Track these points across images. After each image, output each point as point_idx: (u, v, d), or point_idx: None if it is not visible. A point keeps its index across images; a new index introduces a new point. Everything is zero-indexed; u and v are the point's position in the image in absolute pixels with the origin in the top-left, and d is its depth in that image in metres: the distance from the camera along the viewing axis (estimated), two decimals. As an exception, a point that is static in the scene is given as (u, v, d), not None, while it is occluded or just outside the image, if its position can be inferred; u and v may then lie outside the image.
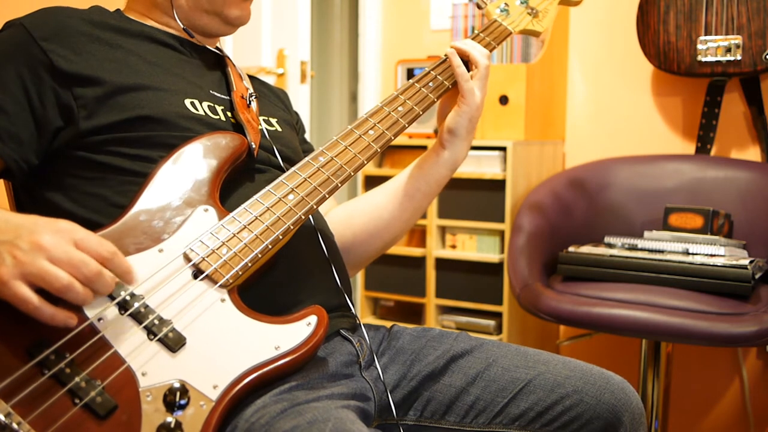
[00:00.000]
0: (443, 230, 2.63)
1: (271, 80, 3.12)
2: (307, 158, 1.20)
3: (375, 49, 3.18)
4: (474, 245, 2.56)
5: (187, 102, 1.22)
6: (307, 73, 3.13)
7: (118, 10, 1.34)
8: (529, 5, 1.54)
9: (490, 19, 1.49)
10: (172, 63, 1.27)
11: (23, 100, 1.13)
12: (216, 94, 1.29)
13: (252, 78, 1.45)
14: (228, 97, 1.30)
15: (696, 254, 2.06)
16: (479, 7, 1.53)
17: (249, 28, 3.09)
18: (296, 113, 1.54)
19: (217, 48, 1.38)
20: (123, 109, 1.15)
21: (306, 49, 3.12)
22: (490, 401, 1.23)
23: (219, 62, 1.37)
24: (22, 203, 1.23)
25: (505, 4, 1.51)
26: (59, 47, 1.15)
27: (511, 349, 1.29)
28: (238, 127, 1.26)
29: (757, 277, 1.96)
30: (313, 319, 1.06)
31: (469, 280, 2.55)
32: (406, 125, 1.29)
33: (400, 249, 2.67)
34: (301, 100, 3.14)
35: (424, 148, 2.58)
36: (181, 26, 1.32)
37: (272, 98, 1.47)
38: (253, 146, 1.23)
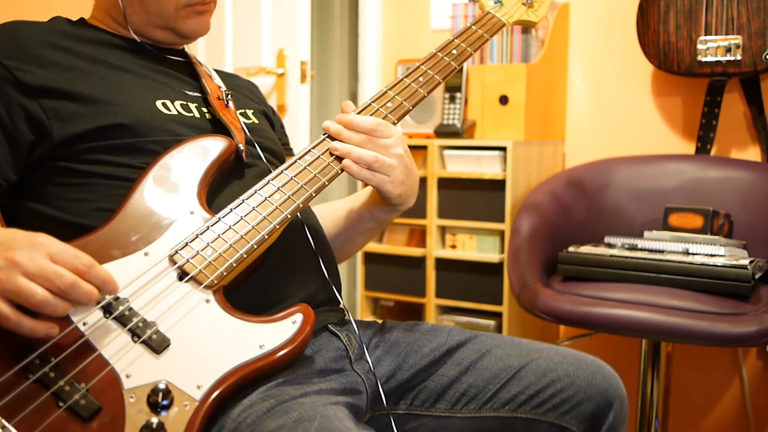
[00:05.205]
0: (443, 230, 2.62)
1: (271, 80, 3.13)
2: (294, 157, 1.19)
3: (375, 49, 3.18)
4: (474, 245, 2.55)
5: (159, 103, 1.22)
6: (307, 73, 3.13)
7: (81, 19, 1.34)
8: None
9: (484, 11, 1.47)
10: (138, 66, 1.27)
11: None
12: (187, 92, 1.29)
13: (219, 72, 1.44)
14: (200, 94, 1.30)
15: (696, 254, 2.05)
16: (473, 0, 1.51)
17: (249, 28, 3.13)
18: (270, 107, 1.53)
19: (181, 51, 1.37)
20: (95, 117, 1.16)
21: (306, 49, 3.12)
22: (481, 388, 1.23)
23: (185, 63, 1.36)
24: (7, 216, 1.23)
25: None
26: (22, 63, 1.16)
27: (505, 340, 1.29)
28: (215, 123, 1.26)
29: (757, 277, 1.96)
30: (298, 317, 1.06)
31: (469, 280, 2.55)
32: (396, 121, 1.27)
33: (400, 249, 2.67)
34: (301, 100, 3.14)
35: (424, 148, 2.57)
36: (137, 39, 1.31)
37: (243, 90, 1.47)
38: (241, 148, 1.23)
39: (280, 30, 3.10)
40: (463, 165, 2.53)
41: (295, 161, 1.18)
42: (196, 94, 1.30)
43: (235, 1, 3.20)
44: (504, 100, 2.55)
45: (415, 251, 2.64)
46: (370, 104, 1.27)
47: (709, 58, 2.31)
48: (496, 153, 2.46)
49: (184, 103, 1.26)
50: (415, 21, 3.10)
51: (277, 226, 1.11)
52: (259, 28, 3.12)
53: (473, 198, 2.52)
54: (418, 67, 1.33)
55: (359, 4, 3.23)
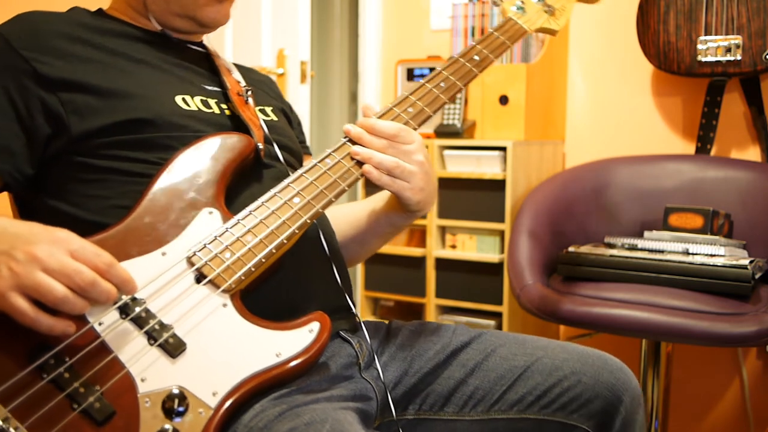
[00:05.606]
0: (443, 230, 2.62)
1: (271, 80, 3.12)
2: (314, 160, 1.17)
3: (375, 49, 3.18)
4: (474, 245, 2.55)
5: (179, 98, 1.21)
6: (307, 73, 3.13)
7: (99, 9, 1.32)
8: (546, 3, 1.49)
9: (506, 17, 1.45)
10: (158, 60, 1.25)
11: (10, 112, 1.12)
12: (207, 87, 1.27)
13: (237, 66, 1.42)
14: (220, 89, 1.29)
15: (696, 254, 2.06)
16: (495, 4, 1.49)
17: (249, 28, 3.12)
18: (287, 103, 1.51)
19: (200, 43, 1.36)
20: (114, 111, 1.14)
21: (306, 49, 3.12)
22: (488, 390, 1.22)
23: (205, 56, 1.35)
24: (24, 211, 1.22)
25: (521, 1, 1.47)
26: (41, 54, 1.14)
27: (510, 338, 1.28)
28: (235, 119, 1.25)
29: (757, 277, 1.96)
30: (315, 326, 1.04)
31: (469, 280, 2.55)
32: (417, 127, 1.24)
33: (400, 249, 2.67)
34: (301, 100, 3.14)
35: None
36: (158, 28, 1.29)
37: (262, 85, 1.45)
38: (260, 146, 1.21)
39: (280, 30, 3.10)
40: (463, 165, 2.53)
41: (315, 164, 1.16)
42: (215, 88, 1.28)
43: (235, 1, 3.18)
44: (504, 100, 2.55)
45: (415, 251, 2.64)
46: (391, 108, 1.24)
47: (709, 58, 2.31)
48: (496, 153, 2.46)
49: (204, 98, 1.24)
50: (415, 21, 3.10)
51: (297, 231, 1.09)
52: (259, 28, 3.11)
53: (473, 198, 2.52)
54: (440, 72, 1.30)
55: (359, 4, 3.22)
